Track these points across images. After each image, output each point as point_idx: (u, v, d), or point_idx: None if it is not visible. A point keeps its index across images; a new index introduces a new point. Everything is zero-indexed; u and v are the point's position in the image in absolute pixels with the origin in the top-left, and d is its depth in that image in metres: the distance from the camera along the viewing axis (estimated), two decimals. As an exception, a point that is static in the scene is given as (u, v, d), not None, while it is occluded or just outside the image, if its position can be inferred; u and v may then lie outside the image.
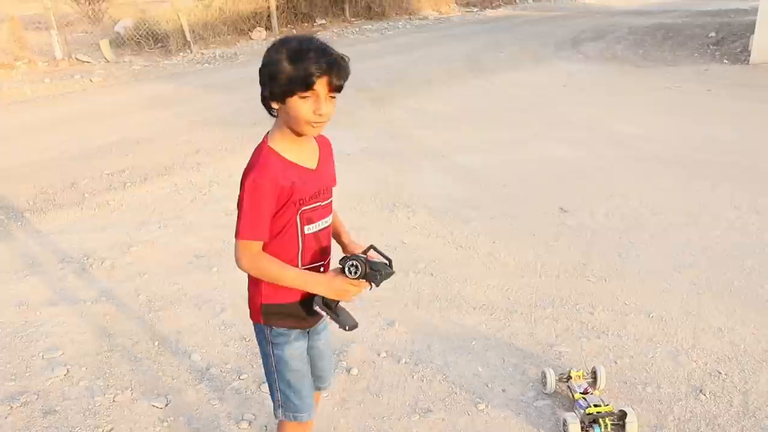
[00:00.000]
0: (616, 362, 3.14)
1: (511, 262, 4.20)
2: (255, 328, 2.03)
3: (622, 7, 22.51)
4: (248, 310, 2.01)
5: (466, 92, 9.58)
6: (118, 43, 13.94)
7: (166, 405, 2.91)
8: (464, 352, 3.25)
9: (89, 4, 16.68)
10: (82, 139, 7.43)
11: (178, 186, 5.81)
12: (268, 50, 1.78)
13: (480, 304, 3.69)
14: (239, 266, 1.84)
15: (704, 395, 2.89)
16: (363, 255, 1.87)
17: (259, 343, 2.04)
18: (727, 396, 2.88)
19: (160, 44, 13.98)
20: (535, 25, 17.74)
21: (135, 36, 13.94)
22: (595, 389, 2.84)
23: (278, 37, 1.86)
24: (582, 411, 2.64)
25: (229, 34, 15.20)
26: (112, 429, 2.77)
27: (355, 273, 1.82)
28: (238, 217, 1.80)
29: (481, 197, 5.35)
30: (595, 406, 2.64)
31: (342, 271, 1.85)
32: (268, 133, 1.89)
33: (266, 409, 2.83)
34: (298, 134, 1.83)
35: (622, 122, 7.60)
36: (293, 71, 1.71)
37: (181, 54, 13.58)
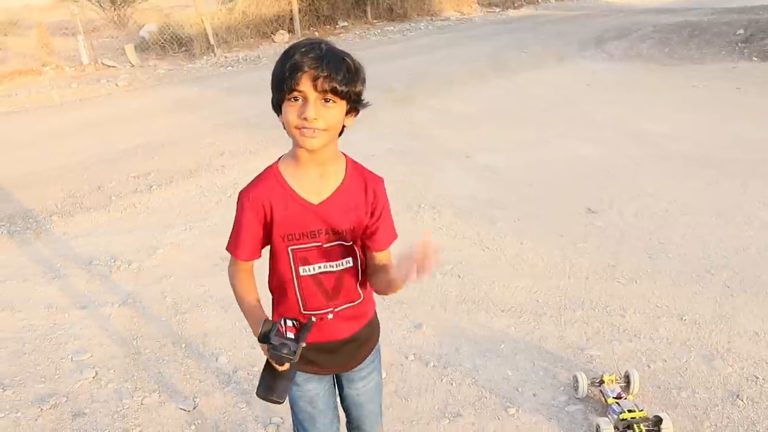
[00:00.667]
0: (649, 366, 3.07)
1: (539, 264, 4.14)
2: None
3: (645, 5, 22.22)
4: None
5: (489, 92, 9.51)
6: (143, 47, 14.07)
7: (194, 408, 2.91)
8: (493, 355, 3.20)
9: (114, 9, 16.88)
10: (109, 143, 7.49)
11: (203, 188, 5.83)
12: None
13: (508, 306, 3.64)
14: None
15: (741, 400, 2.81)
16: (291, 322, 1.60)
17: None
18: (766, 401, 2.81)
19: (184, 48, 14.08)
20: (558, 25, 17.57)
21: (159, 40, 14.06)
22: (628, 394, 2.78)
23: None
24: (616, 416, 2.58)
25: (252, 38, 15.27)
26: (140, 432, 2.77)
27: (263, 339, 1.57)
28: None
29: (507, 197, 5.29)
30: (629, 411, 2.59)
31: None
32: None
33: (294, 413, 2.81)
34: (298, 146, 1.62)
35: (648, 120, 7.48)
36: (279, 71, 1.57)
37: (204, 58, 13.67)
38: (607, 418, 2.59)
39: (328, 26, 17.23)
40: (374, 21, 18.46)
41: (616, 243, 4.40)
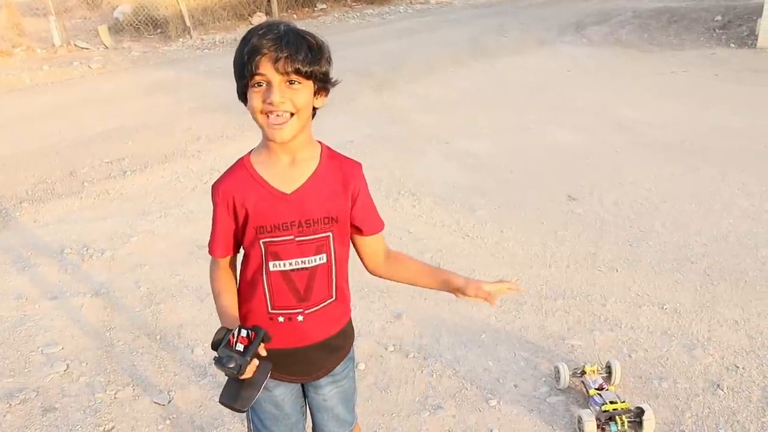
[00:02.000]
0: (630, 356, 3.05)
1: (520, 252, 4.11)
2: None
3: (626, -10, 22.22)
4: None
5: (469, 77, 9.44)
6: (117, 29, 13.78)
7: (169, 402, 2.84)
8: (474, 345, 3.17)
9: (87, -11, 16.50)
10: (81, 127, 7.32)
11: (178, 174, 5.71)
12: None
13: (489, 295, 3.60)
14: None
15: (722, 390, 2.81)
16: (246, 331, 1.50)
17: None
18: (746, 391, 2.80)
19: (159, 30, 13.81)
20: (538, 9, 17.51)
21: (134, 22, 13.77)
22: (610, 384, 2.76)
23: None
24: (598, 408, 2.56)
25: (229, 20, 15.01)
26: (113, 427, 2.70)
27: (216, 345, 1.49)
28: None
29: (487, 184, 5.25)
30: (611, 402, 2.56)
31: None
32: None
33: (271, 406, 2.76)
34: (268, 140, 1.56)
35: (628, 107, 7.47)
36: (238, 57, 1.50)
37: (180, 40, 13.42)
38: (589, 410, 2.56)
39: (307, 8, 17.01)
40: (353, 4, 18.26)
41: (597, 231, 4.38)
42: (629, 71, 9.72)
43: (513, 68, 9.95)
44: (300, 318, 1.68)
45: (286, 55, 1.45)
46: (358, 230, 1.73)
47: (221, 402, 1.53)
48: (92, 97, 8.96)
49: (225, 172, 1.65)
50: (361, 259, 1.81)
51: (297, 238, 1.61)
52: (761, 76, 8.99)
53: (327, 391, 1.85)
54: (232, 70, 1.54)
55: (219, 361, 1.45)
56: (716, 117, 6.98)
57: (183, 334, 3.33)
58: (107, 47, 12.72)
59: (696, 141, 6.16)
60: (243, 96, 1.55)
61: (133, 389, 2.92)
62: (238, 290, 1.75)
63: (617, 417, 2.51)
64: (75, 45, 12.61)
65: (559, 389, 2.82)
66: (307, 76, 1.50)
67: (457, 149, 6.16)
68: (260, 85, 1.49)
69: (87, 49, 12.51)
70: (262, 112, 1.51)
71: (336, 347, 1.81)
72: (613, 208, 4.72)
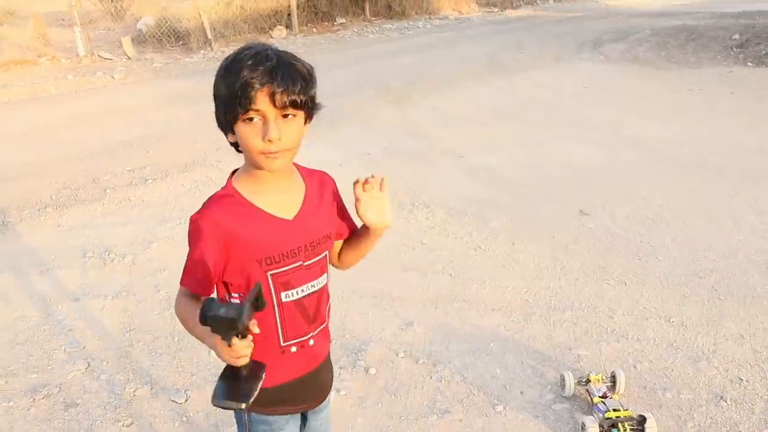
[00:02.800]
0: (635, 366, 3.11)
1: (530, 264, 4.18)
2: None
3: (644, 8, 22.30)
4: None
5: (486, 92, 9.54)
6: (140, 40, 14.05)
7: (186, 400, 2.94)
8: (482, 353, 3.24)
9: (112, 1, 16.83)
10: (104, 136, 7.50)
11: (198, 182, 5.85)
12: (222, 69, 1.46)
13: (498, 305, 3.68)
14: (179, 317, 1.55)
15: (725, 402, 2.86)
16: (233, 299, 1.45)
17: (237, 421, 1.71)
18: (749, 403, 2.85)
19: (181, 42, 14.07)
20: (556, 26, 17.62)
21: (156, 33, 14.04)
22: (614, 393, 2.82)
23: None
24: (601, 415, 2.62)
25: (249, 33, 15.25)
26: (132, 423, 2.80)
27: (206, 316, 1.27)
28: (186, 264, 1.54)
29: (500, 198, 5.33)
30: (614, 410, 2.63)
31: None
32: (234, 171, 1.59)
33: (284, 407, 2.85)
34: (260, 168, 1.49)
35: (643, 124, 7.53)
36: (227, 88, 1.40)
37: (201, 52, 13.66)
38: (592, 417, 2.63)
39: (326, 23, 17.23)
40: (372, 18, 18.48)
41: (607, 245, 4.44)
42: (646, 88, 9.78)
43: (530, 84, 10.05)
44: (311, 342, 1.64)
45: (282, 89, 1.38)
46: (340, 234, 1.72)
47: (217, 403, 1.34)
48: (115, 106, 9.16)
49: (209, 204, 1.52)
50: (331, 259, 1.74)
51: (305, 263, 1.57)
52: (777, 95, 9.01)
53: (324, 412, 1.81)
54: (213, 96, 1.47)
55: (212, 317, 1.24)
56: (731, 135, 7.02)
57: (200, 337, 3.44)
58: (130, 58, 12.97)
59: (710, 158, 6.20)
60: (227, 126, 1.47)
61: (152, 387, 3.03)
62: None
63: (620, 424, 2.57)
64: (99, 55, 12.88)
65: (564, 397, 2.89)
66: (301, 106, 1.44)
67: (472, 163, 6.25)
68: (252, 120, 1.41)
69: (110, 59, 12.77)
70: (261, 152, 1.44)
71: (330, 360, 1.78)
72: (624, 223, 4.78)
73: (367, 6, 18.45)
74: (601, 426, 2.59)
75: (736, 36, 13.96)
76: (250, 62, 1.39)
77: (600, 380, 2.86)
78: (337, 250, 1.78)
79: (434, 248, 4.43)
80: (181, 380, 3.08)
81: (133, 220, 5.08)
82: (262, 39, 15.09)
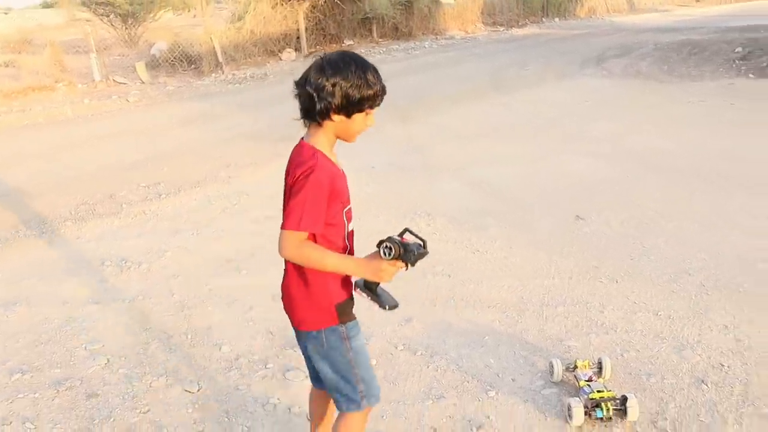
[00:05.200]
0: (622, 355, 3.29)
1: (526, 265, 4.37)
2: (322, 335, 2.05)
3: (649, 24, 22.58)
4: (301, 322, 2.08)
5: (489, 109, 9.78)
6: (153, 65, 14.46)
7: (198, 390, 3.14)
8: (477, 346, 3.42)
9: (126, 28, 17.33)
10: (120, 155, 7.80)
11: (209, 197, 6.09)
12: (328, 67, 1.91)
13: (494, 303, 3.87)
14: (284, 254, 1.95)
15: (706, 385, 3.02)
16: (398, 237, 1.96)
17: (331, 348, 2.07)
18: (729, 386, 3.01)
19: (193, 66, 14.47)
20: (561, 43, 17.91)
21: (169, 58, 14.45)
22: (600, 378, 2.99)
23: (319, 55, 1.98)
24: (586, 396, 2.80)
25: (259, 56, 15.66)
26: (149, 410, 3.00)
27: (389, 254, 1.91)
28: (289, 209, 1.90)
29: (499, 207, 5.53)
30: (599, 391, 2.80)
31: (378, 253, 1.95)
32: (303, 137, 2.01)
33: (290, 393, 3.05)
34: (345, 141, 2.03)
35: (643, 136, 7.73)
36: (369, 89, 1.92)
37: (213, 75, 14.04)
38: (577, 398, 2.80)
39: (335, 44, 17.61)
40: (379, 39, 18.84)
41: (602, 247, 4.62)
42: (647, 101, 9.98)
43: (533, 100, 10.28)
44: None
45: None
46: None
47: (389, 307, 2.07)
48: (130, 128, 9.48)
49: (319, 164, 1.92)
50: None
51: (348, 205, 2.08)
52: (776, 106, 9.18)
53: None
54: (343, 92, 1.90)
55: (412, 253, 1.92)
56: (728, 143, 7.20)
57: (212, 334, 3.65)
58: (144, 82, 13.36)
59: (706, 166, 6.38)
60: (342, 112, 1.93)
61: (167, 379, 3.23)
62: None
63: (603, 404, 2.74)
64: (114, 80, 13.28)
65: (553, 382, 3.06)
66: None
67: (472, 176, 6.46)
68: (368, 112, 1.99)
69: (125, 84, 13.17)
70: (360, 132, 2.03)
71: None
72: (619, 228, 4.96)
73: (374, 27, 18.84)
74: (585, 406, 2.76)
75: (739, 49, 14.16)
76: (376, 73, 1.96)
77: (587, 366, 3.03)
78: None
79: (434, 252, 4.55)
80: (194, 372, 3.29)
81: (148, 231, 5.33)
82: (272, 62, 15.48)
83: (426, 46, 18.52)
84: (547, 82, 11.82)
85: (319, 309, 2.03)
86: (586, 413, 2.76)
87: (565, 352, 3.32)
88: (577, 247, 4.64)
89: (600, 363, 3.07)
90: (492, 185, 6.14)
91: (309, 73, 1.93)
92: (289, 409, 2.96)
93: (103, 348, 3.55)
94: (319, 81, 1.89)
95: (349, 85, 1.89)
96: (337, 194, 1.97)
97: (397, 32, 19.46)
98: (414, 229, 2.02)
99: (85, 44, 13.99)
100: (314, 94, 1.90)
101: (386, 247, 1.93)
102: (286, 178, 2.00)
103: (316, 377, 2.29)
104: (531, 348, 3.38)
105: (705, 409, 2.86)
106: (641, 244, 4.65)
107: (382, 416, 2.90)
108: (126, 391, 3.15)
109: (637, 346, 3.37)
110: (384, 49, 17.56)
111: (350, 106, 1.92)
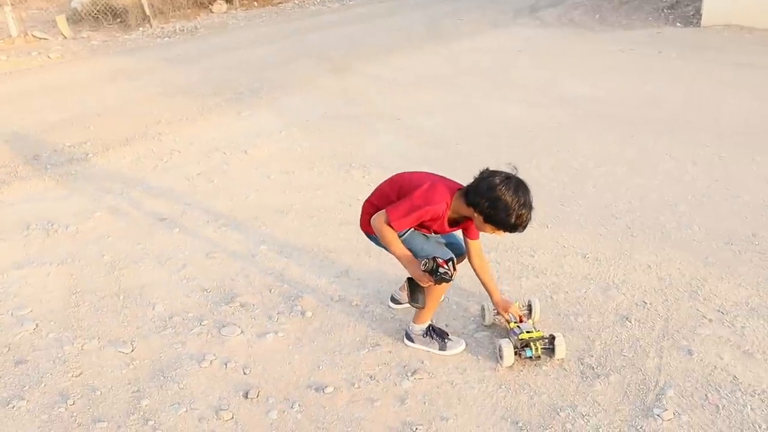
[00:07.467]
0: (552, 297, 3.40)
1: (460, 214, 4.42)
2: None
3: (582, -27, 22.65)
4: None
5: (425, 59, 9.73)
6: (75, 19, 13.76)
7: (132, 350, 3.10)
8: (412, 294, 3.47)
9: (44, -21, 16.38)
10: (42, 114, 7.45)
11: (140, 155, 5.92)
12: (507, 191, 2.71)
13: (429, 252, 3.91)
14: (373, 223, 2.81)
15: (629, 322, 3.16)
16: (440, 260, 2.64)
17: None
18: (651, 322, 3.16)
19: (119, 20, 13.83)
20: (496, -7, 17.85)
21: (92, 11, 13.77)
22: (529, 320, 3.09)
23: (511, 179, 2.81)
24: (515, 337, 2.89)
25: (189, 8, 15.06)
26: (81, 373, 2.95)
27: (424, 266, 2.65)
28: (401, 206, 2.71)
29: (434, 156, 5.56)
30: (528, 332, 2.89)
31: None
32: (456, 192, 2.81)
33: (226, 349, 3.05)
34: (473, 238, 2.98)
35: (573, 83, 7.84)
36: (517, 216, 2.69)
37: (140, 29, 13.46)
38: (507, 339, 2.89)
39: (267, -4, 17.09)
40: (314, -10, 18.37)
41: (532, 193, 4.69)
42: (578, 50, 10.10)
43: (467, 50, 10.25)
44: None
45: None
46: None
47: (412, 303, 2.88)
48: (52, 85, 9.05)
49: (436, 206, 2.74)
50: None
51: None
52: (701, 53, 9.43)
53: None
54: (501, 212, 2.70)
55: (444, 276, 2.63)
56: (654, 91, 7.38)
57: (144, 294, 3.59)
58: (66, 37, 12.72)
59: (633, 112, 6.54)
60: (487, 219, 2.73)
61: (99, 341, 3.18)
62: None
63: (532, 343, 2.84)
64: (33, 35, 12.60)
65: (485, 326, 3.15)
66: None
67: (407, 125, 6.46)
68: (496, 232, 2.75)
69: (45, 39, 12.51)
70: (489, 233, 2.81)
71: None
72: (549, 173, 5.07)
73: (307, -22, 18.33)
74: (515, 347, 2.86)
75: (667, -2, 14.41)
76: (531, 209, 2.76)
77: (517, 308, 3.12)
78: None
79: (370, 204, 4.62)
80: (127, 333, 3.24)
81: (76, 192, 5.15)
82: (202, 15, 14.95)
83: (361, -4, 18.18)
84: (482, 31, 11.80)
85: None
86: (516, 353, 2.85)
87: (497, 297, 3.40)
88: (510, 194, 4.71)
89: (530, 305, 3.17)
90: (427, 134, 6.16)
91: (511, 184, 2.74)
92: (225, 364, 2.96)
93: (30, 313, 3.46)
94: (502, 197, 2.67)
95: (508, 207, 2.64)
96: (423, 225, 2.81)
97: (331, -18, 19.00)
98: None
99: (0, -3, 13.20)
100: (489, 198, 2.66)
101: (426, 261, 2.64)
102: (411, 174, 2.98)
103: None
104: (464, 294, 3.46)
105: (628, 345, 2.99)
106: (570, 189, 4.77)
107: (319, 366, 2.93)
108: (57, 356, 3.08)
109: (566, 288, 3.48)
110: (318, 0, 17.16)
111: (492, 222, 2.68)
